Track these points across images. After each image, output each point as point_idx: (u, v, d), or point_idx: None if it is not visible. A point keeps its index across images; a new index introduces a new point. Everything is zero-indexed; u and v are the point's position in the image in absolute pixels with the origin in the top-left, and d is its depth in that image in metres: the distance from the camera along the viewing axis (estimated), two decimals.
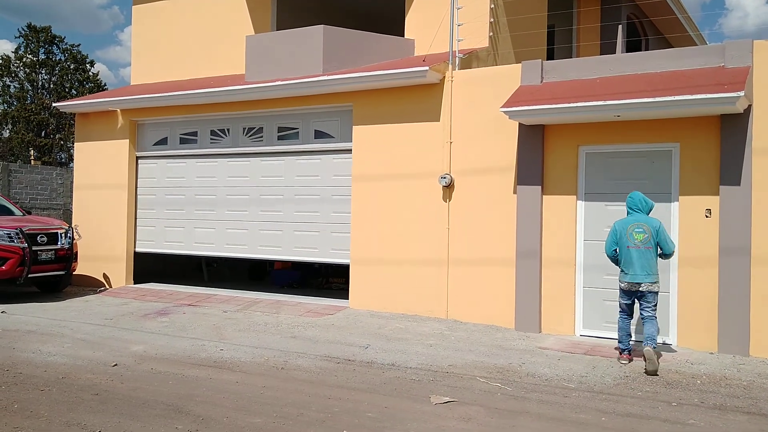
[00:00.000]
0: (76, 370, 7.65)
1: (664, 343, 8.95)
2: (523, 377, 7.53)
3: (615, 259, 8.28)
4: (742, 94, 7.98)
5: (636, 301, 8.13)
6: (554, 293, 9.79)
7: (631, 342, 8.32)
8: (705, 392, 7.01)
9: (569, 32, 16.07)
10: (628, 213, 8.26)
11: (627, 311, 8.25)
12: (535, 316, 9.84)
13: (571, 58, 15.08)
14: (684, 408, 6.49)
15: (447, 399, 6.67)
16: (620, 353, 8.30)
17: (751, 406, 6.59)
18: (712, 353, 8.62)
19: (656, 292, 7.99)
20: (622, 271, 8.16)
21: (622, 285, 8.14)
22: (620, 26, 15.53)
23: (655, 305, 8.00)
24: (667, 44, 18.35)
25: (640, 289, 7.96)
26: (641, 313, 8.06)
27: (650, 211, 8.22)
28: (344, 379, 7.38)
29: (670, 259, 8.31)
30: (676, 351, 8.75)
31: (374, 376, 7.52)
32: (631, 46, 16.83)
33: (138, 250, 14.18)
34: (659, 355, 8.09)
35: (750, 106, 8.58)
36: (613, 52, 15.24)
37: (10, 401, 6.40)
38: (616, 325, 8.45)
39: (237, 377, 7.43)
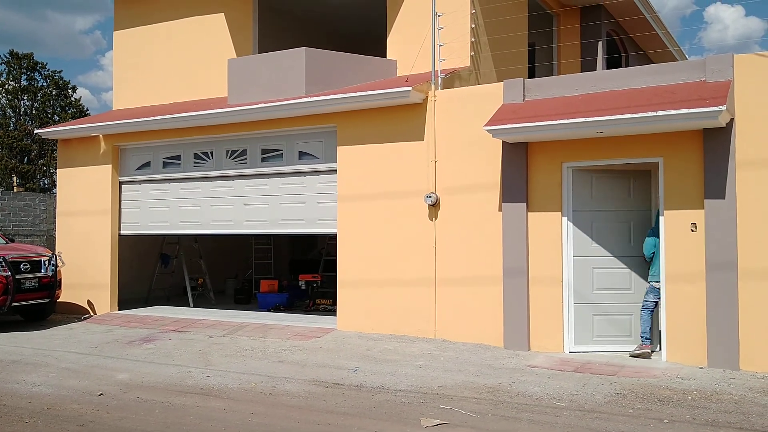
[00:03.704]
0: (61, 401, 7.53)
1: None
2: (513, 397, 7.48)
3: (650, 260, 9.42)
4: (724, 108, 8.02)
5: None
6: (542, 310, 9.76)
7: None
8: (696, 408, 6.98)
9: (550, 50, 16.17)
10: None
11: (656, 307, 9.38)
12: (524, 334, 9.80)
13: (553, 75, 15.16)
14: (676, 425, 6.45)
15: (438, 421, 6.60)
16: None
17: (744, 421, 6.56)
18: (701, 368, 8.60)
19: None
20: (656, 273, 9.25)
21: (657, 285, 9.26)
22: (600, 43, 15.64)
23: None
24: (648, 60, 18.51)
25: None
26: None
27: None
28: (333, 404, 7.30)
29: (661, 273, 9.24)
30: (665, 366, 8.75)
31: (364, 400, 7.44)
32: (612, 63, 16.95)
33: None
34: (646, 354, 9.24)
35: (732, 119, 8.64)
36: (594, 69, 15.34)
37: None
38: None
39: (224, 404, 7.33)
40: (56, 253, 13.66)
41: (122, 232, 14.08)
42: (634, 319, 9.57)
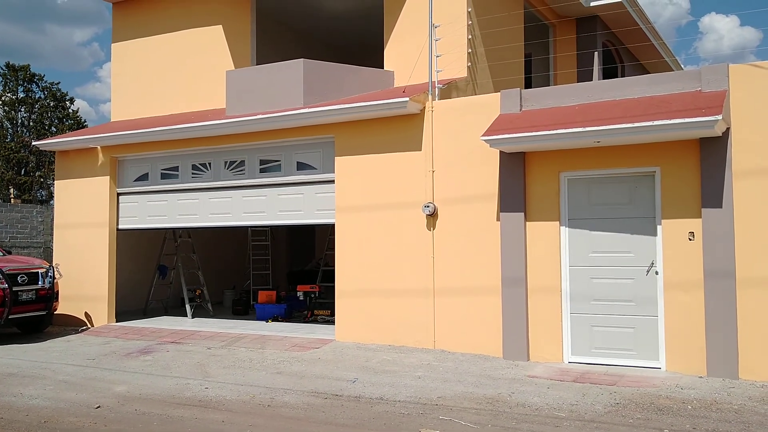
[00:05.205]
0: (58, 414, 7.50)
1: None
2: (513, 407, 7.46)
3: None
4: (719, 117, 8.05)
5: None
6: (541, 320, 9.75)
7: None
8: (696, 417, 6.97)
9: (546, 61, 16.25)
10: None
11: None
12: (523, 344, 9.79)
13: (549, 86, 15.21)
14: None
15: None
16: None
17: (744, 430, 6.54)
18: (701, 377, 8.59)
19: None
20: None
21: None
22: (596, 53, 15.71)
23: None
24: (644, 70, 18.59)
25: None
26: None
27: None
28: (332, 415, 7.28)
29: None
30: (665, 375, 8.73)
31: (363, 411, 7.42)
32: (608, 73, 17.02)
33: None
34: None
35: (728, 129, 8.66)
36: (590, 79, 15.40)
37: None
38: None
39: (223, 416, 7.30)
40: (53, 264, 13.63)
41: (120, 227, 14.09)
42: (636, 332, 9.26)
